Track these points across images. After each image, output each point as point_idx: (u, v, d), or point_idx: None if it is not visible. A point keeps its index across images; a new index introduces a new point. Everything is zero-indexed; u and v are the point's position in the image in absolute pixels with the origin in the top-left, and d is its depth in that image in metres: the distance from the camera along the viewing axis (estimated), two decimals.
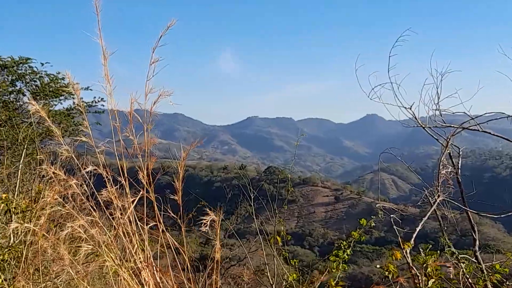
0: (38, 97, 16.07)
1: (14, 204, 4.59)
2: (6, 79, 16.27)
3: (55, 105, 16.95)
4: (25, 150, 6.89)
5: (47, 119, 2.14)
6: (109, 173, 2.07)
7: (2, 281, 3.51)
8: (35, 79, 16.46)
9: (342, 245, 4.52)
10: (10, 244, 4.42)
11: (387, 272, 3.54)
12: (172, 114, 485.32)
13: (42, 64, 16.71)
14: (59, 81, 16.57)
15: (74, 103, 17.92)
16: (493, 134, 4.92)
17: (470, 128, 4.44)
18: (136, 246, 1.89)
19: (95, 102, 17.50)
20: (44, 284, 3.81)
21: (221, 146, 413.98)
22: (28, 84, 16.52)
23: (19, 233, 4.39)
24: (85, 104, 17.85)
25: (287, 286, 5.13)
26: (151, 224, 1.92)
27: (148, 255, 1.93)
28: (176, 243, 2.01)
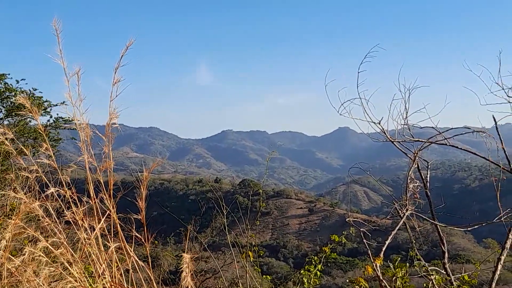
0: (13, 114, 16.16)
1: None
2: None
3: (30, 121, 16.82)
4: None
5: (14, 137, 2.12)
6: (74, 193, 2.04)
7: None
8: (10, 96, 16.59)
9: (313, 260, 4.55)
10: None
11: (357, 287, 3.58)
12: (147, 128, 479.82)
13: (17, 82, 16.94)
14: (35, 99, 16.67)
15: (51, 117, 17.94)
16: (460, 148, 5.08)
17: (438, 142, 4.57)
18: (103, 265, 1.86)
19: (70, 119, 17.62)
20: None
21: (196, 160, 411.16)
22: (3, 101, 16.66)
23: None
24: (61, 120, 17.95)
25: None
26: (116, 244, 1.89)
27: (116, 274, 1.90)
28: (137, 260, 1.98)
